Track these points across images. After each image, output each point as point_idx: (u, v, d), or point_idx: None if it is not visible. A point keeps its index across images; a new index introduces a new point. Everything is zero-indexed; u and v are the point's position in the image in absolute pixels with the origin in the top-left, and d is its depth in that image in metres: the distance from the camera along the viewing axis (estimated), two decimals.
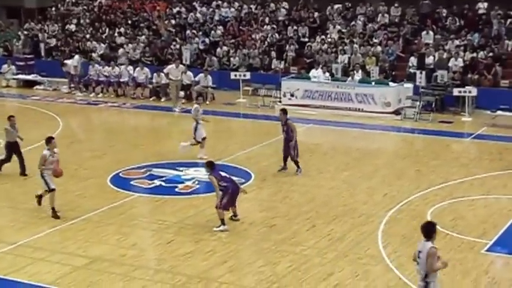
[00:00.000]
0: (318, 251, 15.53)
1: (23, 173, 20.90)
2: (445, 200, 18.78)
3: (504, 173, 21.25)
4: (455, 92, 29.52)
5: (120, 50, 38.46)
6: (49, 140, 17.74)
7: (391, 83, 31.03)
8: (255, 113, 30.76)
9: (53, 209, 17.35)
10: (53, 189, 17.38)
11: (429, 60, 32.27)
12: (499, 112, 27.87)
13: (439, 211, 17.98)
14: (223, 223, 16.45)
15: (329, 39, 36.00)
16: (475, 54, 32.37)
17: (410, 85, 30.86)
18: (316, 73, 32.36)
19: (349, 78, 31.40)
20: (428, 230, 11.07)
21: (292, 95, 31.51)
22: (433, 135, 26.73)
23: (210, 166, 16.70)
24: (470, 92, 29.23)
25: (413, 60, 32.57)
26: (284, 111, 21.27)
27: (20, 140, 21.27)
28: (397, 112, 29.76)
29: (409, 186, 20.05)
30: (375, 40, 35.24)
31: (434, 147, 24.87)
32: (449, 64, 31.85)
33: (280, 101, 31.46)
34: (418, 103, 29.48)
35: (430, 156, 23.56)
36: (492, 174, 21.19)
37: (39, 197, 17.81)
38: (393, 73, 33.01)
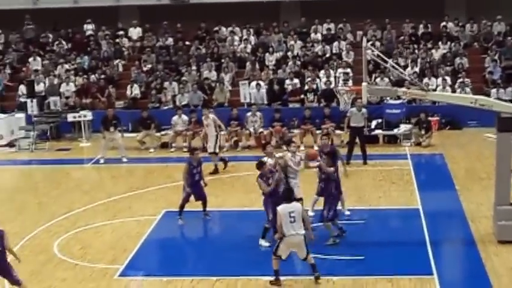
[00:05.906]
0: None
1: None
2: (71, 230, 17.98)
3: (128, 195, 20.88)
4: (70, 117, 28.83)
5: None
6: None
7: (0, 115, 29.49)
8: None
9: None
10: None
11: (40, 87, 31.22)
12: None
13: (65, 242, 17.16)
14: None
15: None
16: (86, 77, 31.90)
17: (22, 115, 29.59)
18: None
19: None
20: None
21: None
22: (52, 165, 25.68)
23: None
24: (85, 116, 28.76)
25: (22, 89, 31.17)
26: None
27: None
28: (11, 144, 28.33)
29: (31, 220, 18.84)
30: None
31: (54, 177, 23.81)
32: (61, 90, 31.07)
33: None
34: (32, 133, 28.26)
35: (50, 186, 22.53)
36: (115, 198, 20.71)
37: None
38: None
